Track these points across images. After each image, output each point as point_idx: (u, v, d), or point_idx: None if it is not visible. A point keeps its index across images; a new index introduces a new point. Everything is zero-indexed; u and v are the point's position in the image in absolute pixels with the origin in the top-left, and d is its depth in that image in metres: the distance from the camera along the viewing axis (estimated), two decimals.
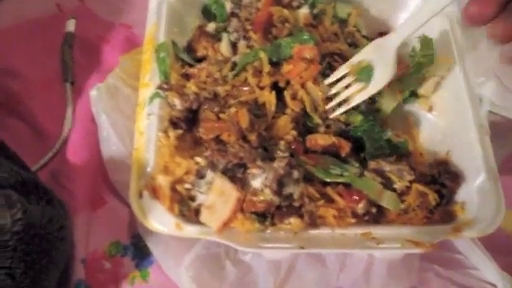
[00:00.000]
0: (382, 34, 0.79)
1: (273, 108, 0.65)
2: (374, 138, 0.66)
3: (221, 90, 0.67)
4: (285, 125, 0.64)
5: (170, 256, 0.62)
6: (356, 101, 0.66)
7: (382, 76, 0.66)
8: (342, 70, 0.67)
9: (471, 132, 0.64)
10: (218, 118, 0.65)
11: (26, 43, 0.79)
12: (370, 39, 0.77)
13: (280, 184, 0.58)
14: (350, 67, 0.67)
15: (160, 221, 0.60)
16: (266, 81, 0.66)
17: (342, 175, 0.62)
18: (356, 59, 0.67)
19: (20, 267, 0.48)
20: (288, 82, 0.67)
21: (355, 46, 0.74)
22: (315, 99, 0.67)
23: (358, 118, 0.66)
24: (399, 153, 0.67)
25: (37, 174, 0.66)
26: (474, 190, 0.62)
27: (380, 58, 0.66)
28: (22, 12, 0.82)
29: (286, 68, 0.66)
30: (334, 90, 0.67)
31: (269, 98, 0.65)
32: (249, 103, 0.65)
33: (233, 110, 0.64)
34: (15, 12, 0.82)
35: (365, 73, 0.66)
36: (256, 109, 0.65)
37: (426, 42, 0.70)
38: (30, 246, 0.48)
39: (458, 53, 0.71)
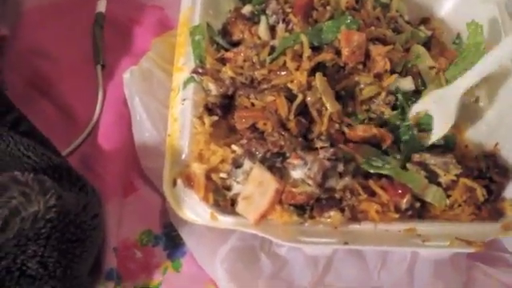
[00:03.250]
0: (424, 19, 0.77)
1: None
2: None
3: (258, 74, 0.64)
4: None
5: (204, 247, 0.60)
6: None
7: (441, 127, 0.63)
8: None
9: None
10: (253, 105, 0.63)
11: (56, 22, 0.77)
12: (412, 25, 0.74)
13: (324, 176, 0.55)
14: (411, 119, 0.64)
15: (194, 210, 0.58)
16: (306, 65, 0.63)
17: (384, 167, 0.59)
18: (414, 110, 0.64)
19: (53, 256, 0.46)
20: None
21: (398, 31, 0.71)
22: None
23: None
24: (443, 145, 0.64)
25: (67, 158, 0.64)
26: None
27: (439, 108, 0.63)
28: None
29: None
30: None
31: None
32: (284, 89, 0.62)
33: (270, 98, 0.61)
34: None
35: (424, 122, 0.63)
36: (291, 95, 0.62)
37: (475, 28, 0.67)
38: (65, 234, 0.46)
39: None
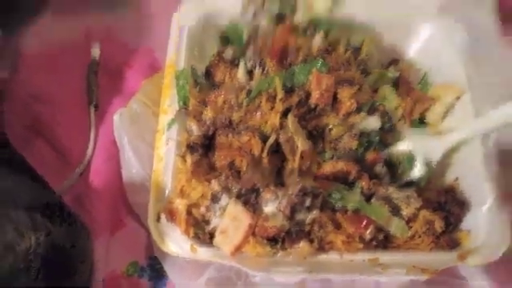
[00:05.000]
0: (394, 61, 0.82)
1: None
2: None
3: (235, 116, 0.69)
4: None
5: (185, 278, 0.64)
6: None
7: (423, 168, 0.69)
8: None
9: (478, 160, 0.66)
10: (231, 144, 0.68)
11: (52, 67, 0.82)
12: (382, 66, 0.79)
13: (293, 210, 0.60)
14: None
15: (176, 243, 0.62)
16: (279, 107, 0.67)
17: (350, 200, 0.64)
18: (399, 147, 0.70)
19: None
20: None
21: (367, 73, 0.76)
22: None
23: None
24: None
25: (61, 196, 0.68)
26: (480, 218, 0.63)
27: (425, 154, 0.69)
28: (49, 36, 0.85)
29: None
30: None
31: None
32: (258, 130, 0.67)
33: (245, 138, 0.66)
34: (43, 36, 0.85)
35: (404, 160, 0.69)
36: (264, 136, 0.67)
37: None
38: (54, 267, 0.51)
39: (468, 80, 0.72)
